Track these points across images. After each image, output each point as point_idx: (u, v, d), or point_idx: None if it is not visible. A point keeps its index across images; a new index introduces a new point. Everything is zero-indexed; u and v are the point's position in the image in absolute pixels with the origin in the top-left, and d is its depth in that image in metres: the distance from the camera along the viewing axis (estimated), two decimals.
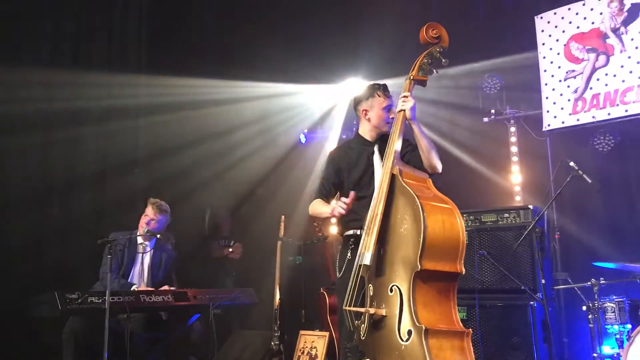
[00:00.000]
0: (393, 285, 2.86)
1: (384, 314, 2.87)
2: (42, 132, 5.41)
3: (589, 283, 3.99)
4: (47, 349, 4.56)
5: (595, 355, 3.96)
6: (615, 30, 5.37)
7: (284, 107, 7.11)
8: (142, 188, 5.89)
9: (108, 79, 5.81)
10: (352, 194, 3.20)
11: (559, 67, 5.65)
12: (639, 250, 4.28)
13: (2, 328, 4.64)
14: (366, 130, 3.53)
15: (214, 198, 6.69)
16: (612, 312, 3.93)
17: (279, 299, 5.01)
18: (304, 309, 5.34)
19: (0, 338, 4.64)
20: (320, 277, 5.73)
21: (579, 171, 4.10)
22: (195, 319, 4.74)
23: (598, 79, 5.41)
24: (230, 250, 6.52)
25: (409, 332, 2.73)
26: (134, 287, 4.40)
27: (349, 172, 3.47)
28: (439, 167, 3.29)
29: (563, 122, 5.58)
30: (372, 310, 2.92)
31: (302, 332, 5.01)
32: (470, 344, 2.80)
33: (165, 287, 4.49)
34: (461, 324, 2.84)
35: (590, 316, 3.95)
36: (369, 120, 3.49)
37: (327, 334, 4.84)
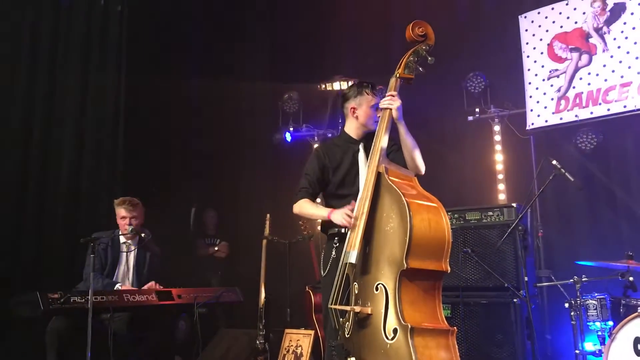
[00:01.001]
0: (379, 284, 2.86)
1: (369, 312, 2.87)
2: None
3: (571, 280, 4.01)
4: (30, 349, 4.51)
5: (577, 351, 3.99)
6: (598, 30, 5.42)
7: (269, 106, 7.10)
8: (124, 185, 5.82)
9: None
10: (352, 203, 3.16)
11: (543, 66, 5.70)
12: (620, 248, 4.32)
13: None
14: (352, 128, 3.52)
15: (199, 196, 6.65)
16: (594, 309, 3.95)
17: (264, 298, 5.00)
18: (290, 308, 5.33)
19: None
20: (305, 275, 5.73)
21: (562, 169, 4.12)
22: (180, 318, 4.72)
23: (581, 78, 5.47)
24: (216, 249, 6.49)
25: (395, 331, 2.74)
26: (117, 287, 4.37)
27: (334, 169, 3.45)
28: (423, 168, 3.29)
29: (546, 121, 5.64)
30: (357, 309, 2.92)
31: (287, 330, 5.00)
32: (455, 342, 2.82)
33: (152, 284, 4.46)
34: (446, 322, 2.85)
35: (572, 313, 3.97)
36: (356, 118, 3.47)
37: (312, 332, 4.83)
